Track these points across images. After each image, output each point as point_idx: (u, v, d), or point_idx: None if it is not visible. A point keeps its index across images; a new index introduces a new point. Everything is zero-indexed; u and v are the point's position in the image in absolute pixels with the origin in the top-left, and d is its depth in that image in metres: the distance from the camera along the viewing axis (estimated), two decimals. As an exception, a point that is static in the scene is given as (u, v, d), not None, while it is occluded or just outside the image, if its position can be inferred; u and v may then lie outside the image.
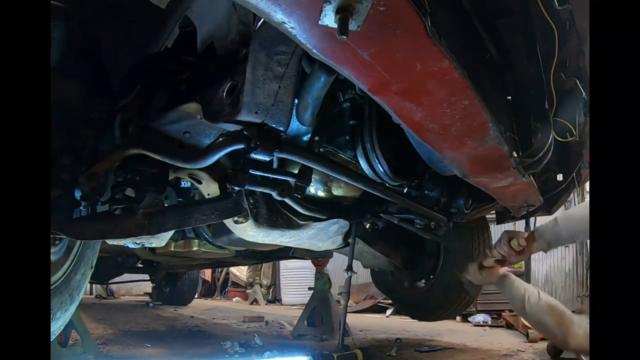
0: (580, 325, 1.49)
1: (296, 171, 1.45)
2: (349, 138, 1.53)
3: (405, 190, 1.81)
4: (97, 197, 1.26)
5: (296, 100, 1.20)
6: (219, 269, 8.42)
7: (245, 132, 1.15)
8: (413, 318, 3.24)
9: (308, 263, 4.11)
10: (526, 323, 2.91)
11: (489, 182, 1.55)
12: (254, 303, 7.55)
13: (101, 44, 1.39)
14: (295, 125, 1.31)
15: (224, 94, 1.10)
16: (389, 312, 5.38)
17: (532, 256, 4.38)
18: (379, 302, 5.67)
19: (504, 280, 1.69)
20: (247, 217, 1.57)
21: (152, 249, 2.65)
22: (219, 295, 8.71)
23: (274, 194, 1.47)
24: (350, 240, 1.96)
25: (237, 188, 1.35)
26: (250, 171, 1.30)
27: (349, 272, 1.97)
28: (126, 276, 4.78)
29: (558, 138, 1.49)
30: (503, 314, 4.22)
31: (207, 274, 8.55)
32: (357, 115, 1.50)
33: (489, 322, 4.22)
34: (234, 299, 8.19)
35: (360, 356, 2.00)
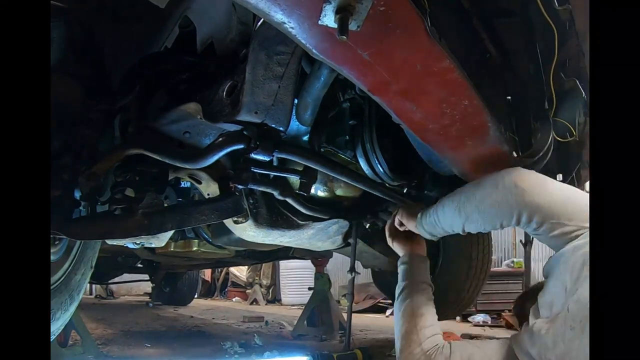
0: (421, 345, 1.23)
1: (300, 169, 1.45)
2: (349, 138, 1.53)
3: (405, 191, 1.81)
4: (97, 197, 1.26)
5: (296, 100, 1.20)
6: (219, 269, 8.42)
7: (245, 132, 1.15)
8: (413, 318, 3.23)
9: (308, 263, 4.11)
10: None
11: (489, 182, 1.54)
12: (254, 303, 7.55)
13: (101, 44, 1.39)
14: (295, 125, 1.31)
15: (224, 94, 1.10)
16: (389, 312, 5.38)
17: (532, 256, 4.38)
18: (378, 302, 5.68)
19: (410, 259, 1.46)
20: (247, 217, 1.57)
21: (152, 249, 2.65)
22: (218, 295, 8.72)
23: (276, 194, 1.47)
24: (350, 241, 1.96)
25: (240, 187, 1.35)
26: (254, 169, 1.30)
27: (352, 273, 1.97)
28: (126, 276, 4.80)
29: (558, 138, 1.49)
30: (503, 314, 4.22)
31: (207, 274, 8.55)
32: (357, 115, 1.50)
33: (489, 322, 4.23)
34: (233, 299, 8.19)
35: (360, 356, 2.00)
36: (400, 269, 1.47)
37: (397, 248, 1.53)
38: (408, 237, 1.51)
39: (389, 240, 1.55)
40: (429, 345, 1.24)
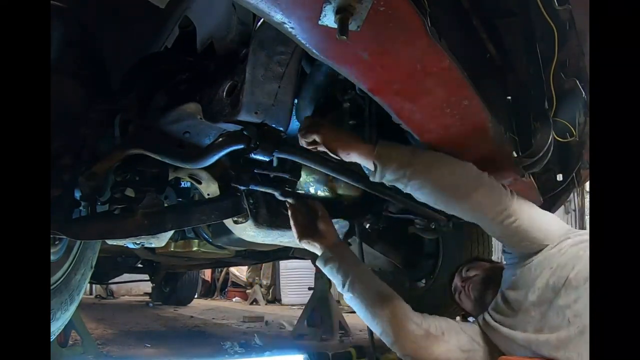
0: (420, 325, 1.22)
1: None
2: (349, 138, 1.52)
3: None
4: (97, 197, 1.26)
5: (296, 100, 1.20)
6: (219, 269, 8.41)
7: (245, 132, 1.15)
8: (413, 318, 3.23)
9: (308, 263, 4.11)
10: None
11: (489, 182, 1.54)
12: (254, 303, 7.54)
13: (101, 44, 1.39)
14: (295, 125, 1.31)
15: (224, 94, 1.11)
16: (389, 312, 5.36)
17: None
18: (378, 302, 5.66)
19: (335, 252, 1.32)
20: (247, 217, 1.57)
21: (152, 249, 2.65)
22: (218, 295, 8.70)
23: (277, 194, 1.47)
24: (350, 241, 1.96)
25: (242, 187, 1.35)
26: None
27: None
28: (126, 276, 4.79)
29: (558, 138, 1.49)
30: (503, 313, 4.21)
31: (207, 274, 8.54)
32: (357, 115, 1.49)
33: (489, 322, 4.22)
34: (233, 299, 8.18)
35: (354, 354, 2.01)
36: (329, 267, 1.31)
37: (311, 245, 1.36)
38: (317, 230, 1.37)
39: (299, 239, 1.37)
40: (425, 322, 1.29)
